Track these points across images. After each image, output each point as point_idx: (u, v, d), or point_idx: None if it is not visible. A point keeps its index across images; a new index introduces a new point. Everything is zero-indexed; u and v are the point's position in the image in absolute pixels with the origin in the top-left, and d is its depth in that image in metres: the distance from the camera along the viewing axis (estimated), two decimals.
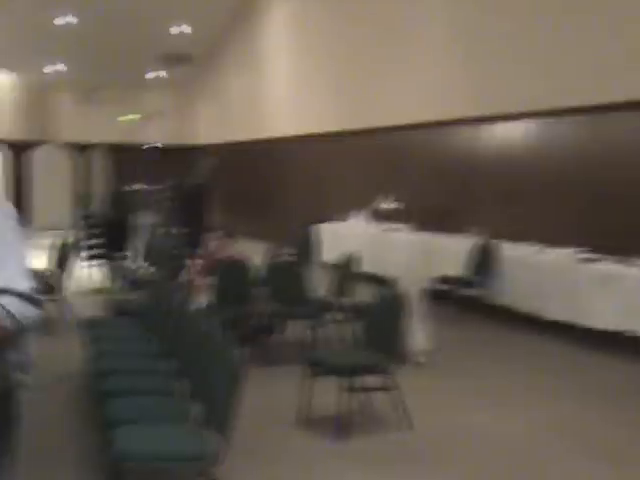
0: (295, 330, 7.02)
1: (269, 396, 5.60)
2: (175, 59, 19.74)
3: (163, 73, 20.82)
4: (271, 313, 6.55)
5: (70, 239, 8.02)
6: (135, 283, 7.83)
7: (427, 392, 5.86)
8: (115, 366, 4.58)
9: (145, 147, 21.85)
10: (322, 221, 13.01)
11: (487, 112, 10.08)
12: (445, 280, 8.69)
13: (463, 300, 8.74)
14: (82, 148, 20.76)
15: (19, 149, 18.96)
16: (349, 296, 7.09)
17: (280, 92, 16.61)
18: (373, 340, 5.10)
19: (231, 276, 6.59)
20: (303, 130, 15.20)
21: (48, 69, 19.51)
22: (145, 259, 9.38)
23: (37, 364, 2.73)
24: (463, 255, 9.12)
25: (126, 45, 18.54)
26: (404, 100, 11.86)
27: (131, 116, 22.04)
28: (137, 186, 20.35)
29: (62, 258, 8.15)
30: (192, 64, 20.12)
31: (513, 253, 8.61)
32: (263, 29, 17.34)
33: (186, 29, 17.74)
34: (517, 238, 9.12)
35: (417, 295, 6.52)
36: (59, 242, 8.76)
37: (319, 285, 8.73)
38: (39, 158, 18.61)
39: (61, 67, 19.55)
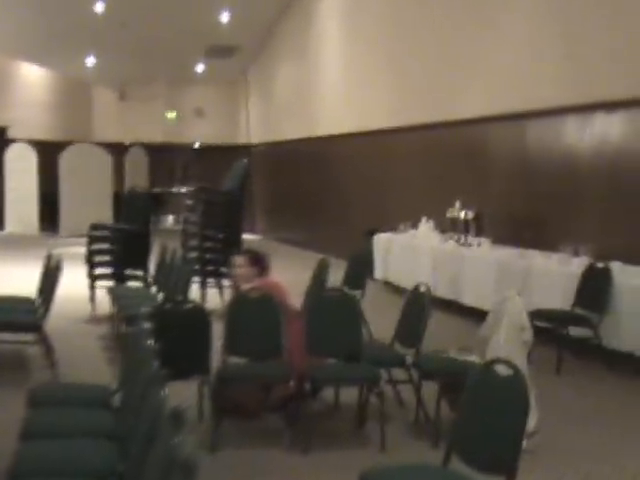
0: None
1: None
2: (220, 52, 18.09)
3: (206, 67, 19.15)
4: (309, 376, 4.57)
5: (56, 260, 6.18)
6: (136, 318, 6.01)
7: None
8: None
9: (187, 147, 20.33)
10: (381, 231, 11.01)
11: (588, 99, 7.92)
12: (541, 315, 6.57)
13: (568, 343, 6.61)
14: (118, 148, 19.20)
15: (53, 149, 17.48)
16: (416, 344, 5.06)
17: (333, 85, 14.68)
18: (467, 438, 3.10)
19: (250, 317, 4.68)
20: (358, 126, 13.23)
21: (85, 64, 18.07)
22: (155, 282, 7.57)
23: None
24: (561, 280, 7.04)
25: (167, 38, 16.94)
26: (481, 87, 9.77)
27: (170, 114, 20.48)
28: (169, 188, 18.78)
29: (46, 280, 6.39)
30: (237, 57, 18.41)
31: (632, 280, 6.48)
32: (314, 17, 15.46)
33: (231, 19, 16.03)
34: (633, 259, 6.98)
35: (521, 352, 4.48)
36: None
37: (376, 321, 6.76)
38: (70, 158, 17.03)
39: (98, 62, 18.09)
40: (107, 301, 8.12)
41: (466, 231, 9.02)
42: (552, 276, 7.20)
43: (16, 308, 6.48)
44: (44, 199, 17.70)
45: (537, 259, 7.64)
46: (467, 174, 9.94)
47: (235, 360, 4.76)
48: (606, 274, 6.54)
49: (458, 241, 8.99)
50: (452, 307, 8.73)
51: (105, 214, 17.02)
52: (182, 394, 5.13)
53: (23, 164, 17.50)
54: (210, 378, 4.64)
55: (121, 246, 8.41)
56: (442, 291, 8.87)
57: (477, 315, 7.38)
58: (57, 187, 17.27)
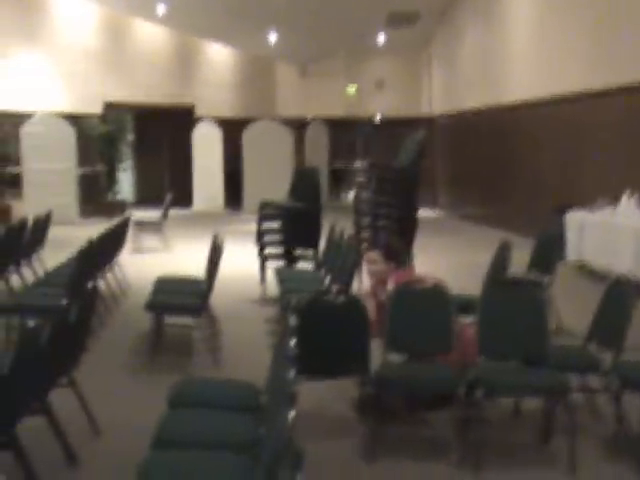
0: None
1: None
2: (402, 19, 17.39)
3: (387, 37, 18.53)
4: (481, 381, 3.89)
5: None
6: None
7: None
8: None
9: (368, 121, 19.90)
10: (574, 208, 9.91)
11: None
12: None
13: None
14: (299, 123, 19.13)
15: (237, 127, 17.73)
16: (616, 345, 4.23)
17: (523, 45, 13.54)
18: None
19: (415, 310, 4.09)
20: (551, 90, 12.06)
21: (267, 41, 18.10)
22: (323, 263, 7.15)
23: None
24: None
25: (347, 8, 16.49)
26: None
27: (350, 88, 20.12)
28: (349, 164, 18.37)
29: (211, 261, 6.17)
30: (419, 25, 17.62)
31: None
32: None
33: None
34: None
35: None
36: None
37: (567, 311, 5.92)
38: (253, 135, 17.15)
39: (280, 38, 18.06)
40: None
41: None
42: None
43: (183, 290, 6.33)
44: (229, 177, 18.01)
45: None
46: None
47: (395, 357, 4.20)
48: None
49: None
50: None
51: (286, 191, 17.02)
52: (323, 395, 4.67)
53: (209, 142, 17.87)
54: (371, 377, 4.11)
55: (291, 225, 8.08)
56: None
57: None
58: (240, 164, 17.50)
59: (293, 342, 3.16)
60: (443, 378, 3.96)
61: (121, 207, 15.95)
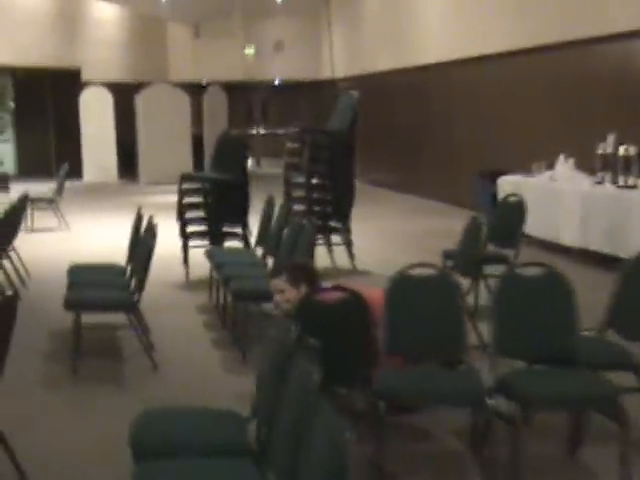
0: None
1: None
2: None
3: None
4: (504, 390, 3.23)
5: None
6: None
7: None
8: None
9: (267, 85, 18.98)
10: (505, 173, 9.48)
11: None
12: None
13: None
14: (195, 88, 17.98)
15: (129, 91, 16.40)
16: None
17: (437, 3, 12.99)
18: None
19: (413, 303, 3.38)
20: (469, 51, 11.57)
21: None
22: (259, 242, 6.35)
23: None
24: None
25: None
26: None
27: (248, 50, 19.10)
28: (255, 130, 17.47)
29: (137, 247, 5.24)
30: None
31: None
32: None
33: None
34: None
35: None
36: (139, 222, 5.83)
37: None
38: (148, 100, 15.89)
39: None
40: (203, 264, 6.99)
41: (626, 171, 7.44)
42: None
43: (104, 281, 5.37)
44: (122, 145, 16.72)
45: None
46: (619, 103, 8.28)
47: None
48: None
49: (617, 183, 7.44)
50: (610, 263, 7.24)
51: (186, 160, 15.95)
52: None
53: (98, 108, 16.49)
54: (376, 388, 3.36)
55: (216, 199, 7.19)
56: (596, 244, 7.40)
57: None
58: (134, 131, 16.24)
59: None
60: (459, 392, 3.26)
61: (2, 181, 14.44)
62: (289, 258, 5.28)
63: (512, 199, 6.40)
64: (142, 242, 5.10)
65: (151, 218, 5.15)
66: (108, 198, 13.98)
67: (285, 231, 5.72)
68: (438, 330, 3.53)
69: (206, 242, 7.25)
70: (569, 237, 7.78)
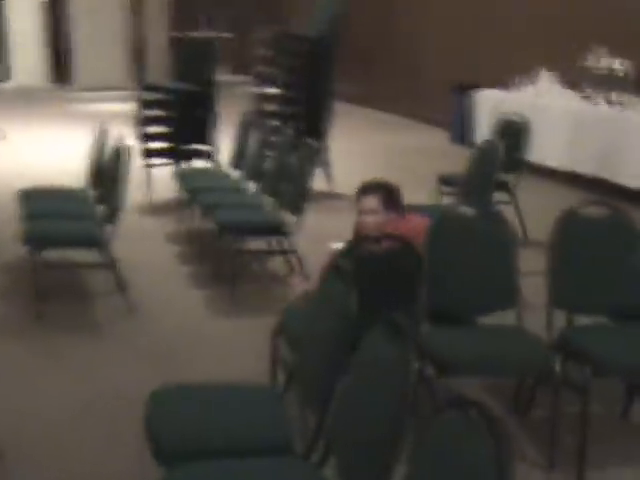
0: None
1: None
2: None
3: None
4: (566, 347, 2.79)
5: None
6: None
7: None
8: None
9: None
10: (482, 86, 8.94)
11: None
12: None
13: None
14: None
15: None
16: None
17: None
18: None
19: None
20: None
21: None
22: (233, 162, 5.72)
23: None
24: None
25: None
26: None
27: None
28: (209, 33, 16.24)
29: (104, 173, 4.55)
30: None
31: None
32: None
33: None
34: None
35: None
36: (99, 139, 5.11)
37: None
38: None
39: None
40: (165, 185, 6.35)
41: (622, 89, 7.00)
42: None
43: (66, 210, 4.67)
44: (53, 44, 15.37)
45: None
46: (606, 11, 7.75)
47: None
48: None
49: (611, 102, 7.00)
50: (601, 188, 6.89)
51: (124, 64, 14.82)
52: None
53: (25, 3, 15.06)
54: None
55: (181, 113, 6.45)
56: (587, 168, 7.01)
57: None
58: (67, 28, 14.93)
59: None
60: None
61: None
62: (281, 184, 4.72)
63: (514, 120, 5.89)
64: (112, 165, 4.40)
65: (121, 137, 4.45)
66: (42, 104, 12.86)
67: (269, 153, 5.12)
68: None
69: (169, 161, 6.56)
70: (556, 159, 7.37)
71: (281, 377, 2.83)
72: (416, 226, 3.09)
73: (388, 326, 1.92)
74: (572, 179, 7.23)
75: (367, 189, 3.26)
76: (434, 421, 1.65)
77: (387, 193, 3.25)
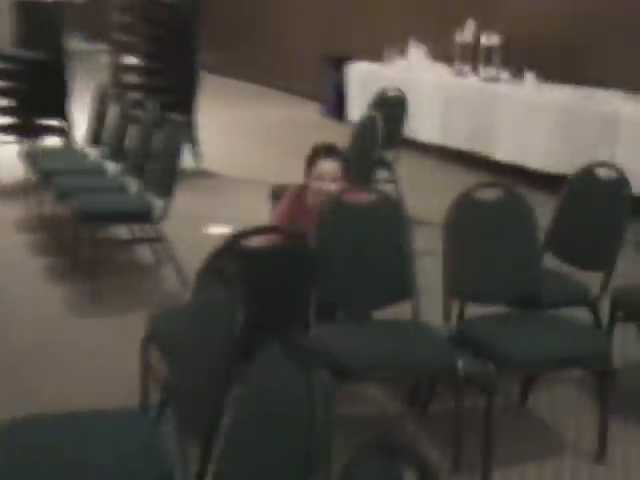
0: None
1: None
2: None
3: None
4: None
5: None
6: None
7: None
8: None
9: None
10: (352, 59, 8.72)
11: None
12: None
13: None
14: None
15: None
16: (607, 266, 3.17)
17: None
18: None
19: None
20: None
21: None
22: (91, 140, 5.20)
23: None
24: None
25: None
26: None
27: None
28: None
29: None
30: None
31: None
32: None
33: None
34: None
35: None
36: None
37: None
38: None
39: None
40: (12, 165, 5.72)
41: (488, 62, 6.95)
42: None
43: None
44: None
45: (620, 103, 5.75)
46: None
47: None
48: None
49: (479, 75, 6.94)
50: (472, 162, 6.85)
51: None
52: None
53: None
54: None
55: (28, 85, 5.80)
56: (458, 141, 6.94)
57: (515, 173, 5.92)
58: None
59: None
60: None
61: None
62: (146, 164, 4.27)
63: (391, 94, 5.68)
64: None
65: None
66: None
67: (131, 129, 4.63)
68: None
69: (16, 138, 5.91)
70: (428, 133, 7.26)
71: (154, 394, 2.44)
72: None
73: (282, 347, 1.59)
74: (445, 153, 7.16)
75: (328, 152, 2.93)
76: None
77: (344, 160, 2.96)
